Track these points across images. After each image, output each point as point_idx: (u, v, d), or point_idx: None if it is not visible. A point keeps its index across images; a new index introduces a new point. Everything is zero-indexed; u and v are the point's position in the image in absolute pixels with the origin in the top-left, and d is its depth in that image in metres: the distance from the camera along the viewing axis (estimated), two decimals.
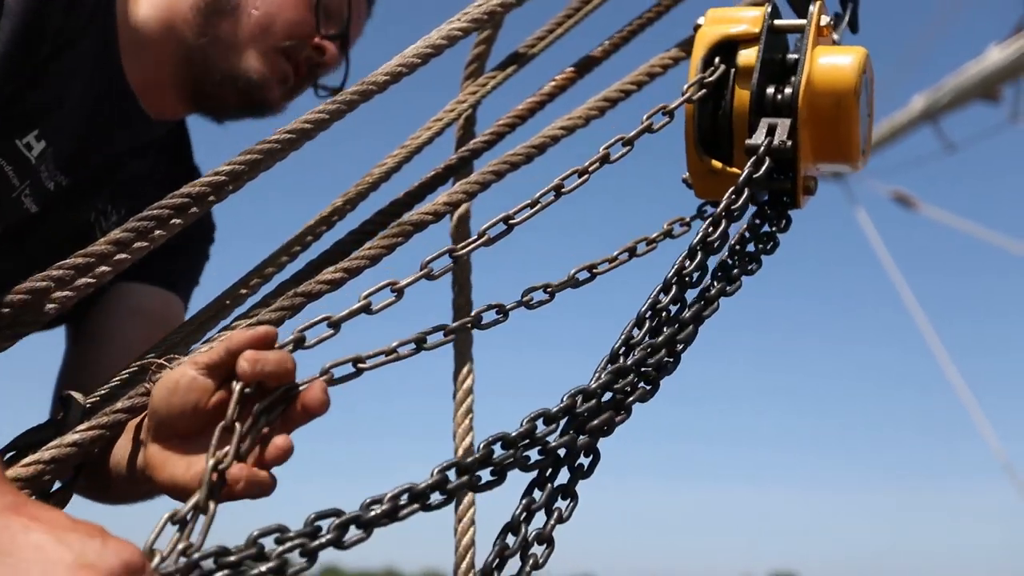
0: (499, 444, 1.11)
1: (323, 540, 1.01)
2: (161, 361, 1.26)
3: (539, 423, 1.13)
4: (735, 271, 1.29)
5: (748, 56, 1.36)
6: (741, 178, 1.28)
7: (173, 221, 1.38)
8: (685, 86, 1.36)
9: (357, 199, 1.58)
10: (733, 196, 1.28)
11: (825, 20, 1.37)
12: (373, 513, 1.03)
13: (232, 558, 0.98)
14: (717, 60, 1.37)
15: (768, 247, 1.34)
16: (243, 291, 1.48)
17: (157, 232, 1.37)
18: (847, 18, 1.56)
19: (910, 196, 10.58)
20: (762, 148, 1.28)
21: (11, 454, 1.30)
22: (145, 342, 1.68)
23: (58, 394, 1.76)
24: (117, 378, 1.37)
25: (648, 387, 1.21)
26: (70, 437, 1.24)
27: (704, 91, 1.35)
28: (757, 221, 1.35)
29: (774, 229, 1.35)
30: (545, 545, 1.16)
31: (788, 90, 1.32)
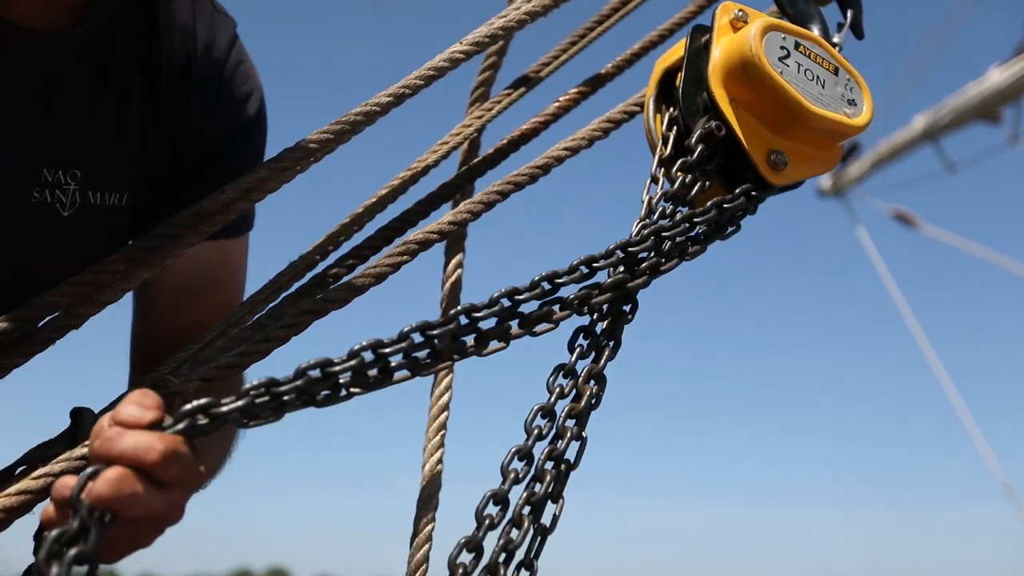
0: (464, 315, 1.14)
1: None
2: (170, 377, 1.28)
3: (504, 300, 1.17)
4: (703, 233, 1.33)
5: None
6: (677, 163, 1.35)
7: (185, 240, 1.41)
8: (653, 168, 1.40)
9: (363, 219, 1.61)
10: (675, 184, 1.34)
11: (731, 16, 1.41)
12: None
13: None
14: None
15: (741, 214, 1.37)
16: (250, 310, 1.51)
17: (173, 249, 1.41)
18: (848, 24, 1.59)
19: (911, 215, 10.62)
20: (694, 139, 1.36)
21: (22, 468, 1.32)
22: (203, 298, 1.65)
23: (133, 357, 1.72)
24: (128, 392, 1.39)
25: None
26: (80, 451, 1.25)
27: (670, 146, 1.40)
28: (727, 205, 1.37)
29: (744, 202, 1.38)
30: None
31: None
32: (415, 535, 1.56)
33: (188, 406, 1.01)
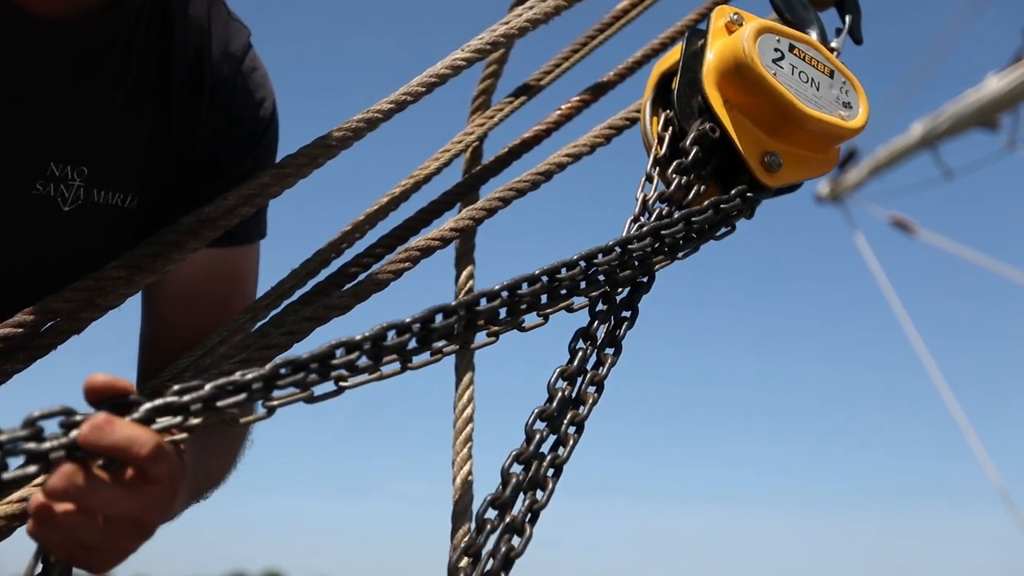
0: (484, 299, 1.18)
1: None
2: (172, 385, 1.27)
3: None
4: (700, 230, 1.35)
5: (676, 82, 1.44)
6: (672, 165, 1.36)
7: (187, 245, 1.41)
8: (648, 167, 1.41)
9: (365, 226, 1.61)
10: (671, 186, 1.36)
11: (726, 19, 1.42)
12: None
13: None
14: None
15: (736, 215, 1.38)
16: (252, 317, 1.51)
17: (175, 255, 1.41)
18: (847, 29, 1.59)
19: (908, 221, 10.63)
20: (688, 141, 1.37)
21: None
22: (212, 305, 1.62)
23: (140, 364, 1.69)
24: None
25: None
26: None
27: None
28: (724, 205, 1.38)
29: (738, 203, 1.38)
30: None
31: None
32: (454, 548, 1.56)
33: (176, 397, 1.03)
